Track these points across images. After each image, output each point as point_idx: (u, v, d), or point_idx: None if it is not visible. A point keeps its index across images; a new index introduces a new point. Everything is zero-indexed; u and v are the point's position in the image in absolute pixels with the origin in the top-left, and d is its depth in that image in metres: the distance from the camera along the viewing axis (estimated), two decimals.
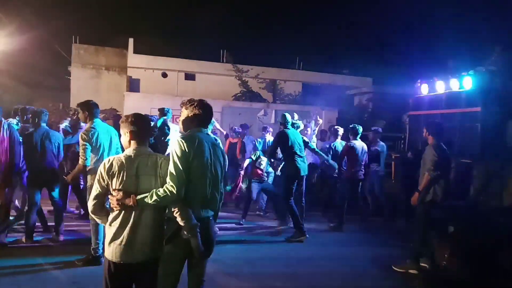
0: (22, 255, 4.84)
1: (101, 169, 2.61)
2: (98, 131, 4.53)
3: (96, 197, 2.62)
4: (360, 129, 7.01)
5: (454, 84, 7.49)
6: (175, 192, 2.58)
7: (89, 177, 4.53)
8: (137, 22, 22.71)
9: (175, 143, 2.75)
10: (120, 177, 2.56)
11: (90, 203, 2.64)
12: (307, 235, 6.07)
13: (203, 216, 2.78)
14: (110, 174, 2.57)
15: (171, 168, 2.64)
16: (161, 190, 2.58)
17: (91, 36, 17.48)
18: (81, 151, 4.44)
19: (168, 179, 2.62)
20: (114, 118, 9.93)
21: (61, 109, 14.05)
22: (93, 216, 2.69)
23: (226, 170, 3.12)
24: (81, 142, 4.44)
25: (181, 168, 2.64)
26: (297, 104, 15.40)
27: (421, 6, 19.89)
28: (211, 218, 2.87)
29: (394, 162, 8.63)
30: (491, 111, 6.73)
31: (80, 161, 4.45)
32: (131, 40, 15.93)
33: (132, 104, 12.90)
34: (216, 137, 3.22)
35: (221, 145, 3.08)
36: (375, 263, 5.30)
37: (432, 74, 8.99)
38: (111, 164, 2.59)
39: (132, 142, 2.69)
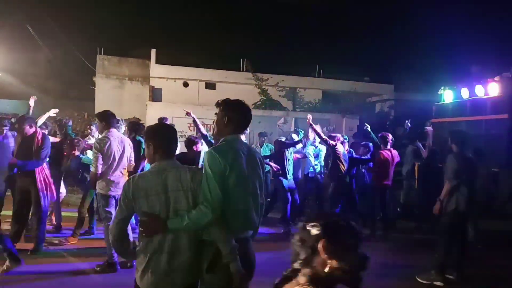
0: (40, 261, 4.90)
1: (125, 187, 2.33)
2: (111, 140, 4.67)
3: (119, 222, 2.34)
4: (390, 136, 6.80)
5: (479, 91, 7.33)
6: (209, 212, 2.26)
7: (97, 184, 4.66)
8: (159, 33, 23.18)
9: (207, 155, 2.42)
10: (148, 196, 2.27)
11: (113, 229, 2.37)
12: None
13: (242, 237, 2.45)
14: (136, 194, 2.27)
15: (204, 184, 2.32)
16: (193, 211, 2.27)
17: (115, 48, 17.95)
18: (93, 159, 4.61)
19: (201, 198, 2.31)
20: None
21: (86, 118, 14.40)
22: (114, 248, 2.41)
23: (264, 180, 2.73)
24: (93, 151, 4.62)
25: (216, 185, 2.30)
26: (317, 111, 15.34)
27: (445, 11, 19.59)
28: (249, 238, 2.56)
29: (417, 170, 8.46)
30: None
31: (92, 169, 4.62)
32: (153, 51, 16.27)
33: (154, 113, 13.09)
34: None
35: (258, 153, 2.72)
36: (397, 274, 5.18)
37: (456, 80, 8.83)
38: (136, 183, 2.30)
39: (157, 155, 2.39)
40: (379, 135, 7.03)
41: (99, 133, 5.13)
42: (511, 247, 6.09)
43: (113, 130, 4.80)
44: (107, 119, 4.76)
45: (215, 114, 2.61)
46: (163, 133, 2.47)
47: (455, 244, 4.83)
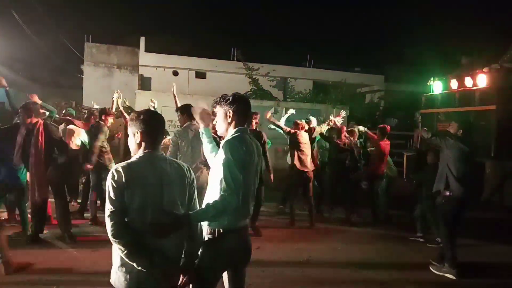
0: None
1: (114, 175, 2.08)
2: (194, 132, 4.72)
3: (113, 218, 2.08)
4: (388, 128, 6.84)
5: (468, 82, 7.40)
6: (234, 199, 2.31)
7: None
8: (149, 21, 22.88)
9: (227, 144, 2.42)
10: (143, 186, 2.12)
11: (109, 226, 2.08)
12: None
13: (242, 226, 2.53)
14: (130, 181, 2.08)
15: (226, 175, 2.33)
16: (217, 201, 2.30)
17: (103, 35, 17.66)
18: (171, 151, 4.64)
19: (224, 187, 2.32)
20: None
21: (74, 107, 14.21)
22: (115, 242, 2.08)
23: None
24: (172, 142, 4.69)
25: (238, 172, 2.35)
26: (308, 102, 15.34)
27: (435, 2, 19.62)
28: (247, 225, 2.65)
29: (406, 160, 8.56)
30: (506, 109, 6.62)
31: None
32: (142, 39, 16.05)
33: (143, 102, 12.97)
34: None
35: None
36: (390, 262, 5.25)
37: (445, 71, 8.90)
38: (129, 169, 2.11)
39: (143, 144, 2.23)
40: (379, 126, 6.95)
41: (180, 125, 5.02)
42: (498, 237, 6.21)
43: (194, 122, 4.70)
44: (189, 111, 4.67)
45: (214, 111, 2.61)
46: (153, 121, 2.27)
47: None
